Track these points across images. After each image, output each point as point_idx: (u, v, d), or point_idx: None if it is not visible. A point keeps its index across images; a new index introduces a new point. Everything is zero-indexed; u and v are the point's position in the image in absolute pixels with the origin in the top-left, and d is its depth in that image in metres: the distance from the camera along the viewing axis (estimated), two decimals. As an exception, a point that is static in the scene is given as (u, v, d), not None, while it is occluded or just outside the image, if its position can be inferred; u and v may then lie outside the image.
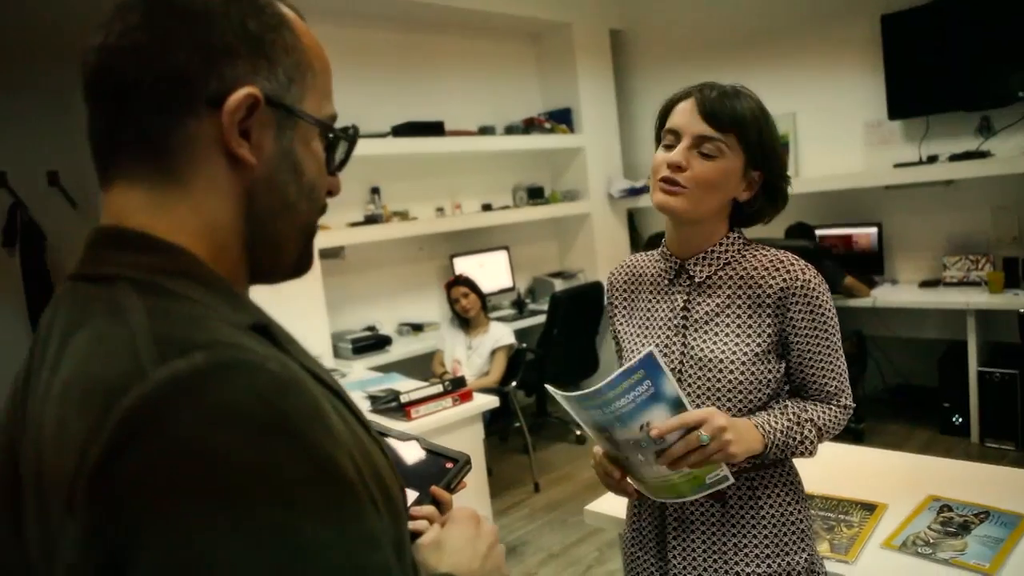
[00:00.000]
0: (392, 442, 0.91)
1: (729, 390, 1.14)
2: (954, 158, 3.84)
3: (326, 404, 0.50)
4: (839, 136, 4.36)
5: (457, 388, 2.69)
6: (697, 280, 1.20)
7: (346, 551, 0.46)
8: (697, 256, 1.20)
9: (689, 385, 1.16)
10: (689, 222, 1.18)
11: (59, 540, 0.45)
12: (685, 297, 1.21)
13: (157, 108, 0.54)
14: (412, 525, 0.74)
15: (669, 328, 1.21)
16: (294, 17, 0.60)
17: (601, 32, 5.08)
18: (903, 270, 4.30)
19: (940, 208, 4.10)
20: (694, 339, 1.18)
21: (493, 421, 3.48)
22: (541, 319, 4.24)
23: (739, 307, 1.17)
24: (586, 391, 1.04)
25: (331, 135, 0.62)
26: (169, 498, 0.42)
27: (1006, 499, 1.51)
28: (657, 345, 1.20)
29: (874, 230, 4.25)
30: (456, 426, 2.65)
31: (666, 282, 1.24)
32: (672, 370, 1.17)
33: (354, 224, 3.95)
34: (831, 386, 1.19)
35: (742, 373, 1.14)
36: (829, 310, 1.17)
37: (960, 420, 3.79)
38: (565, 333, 4.06)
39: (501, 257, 4.71)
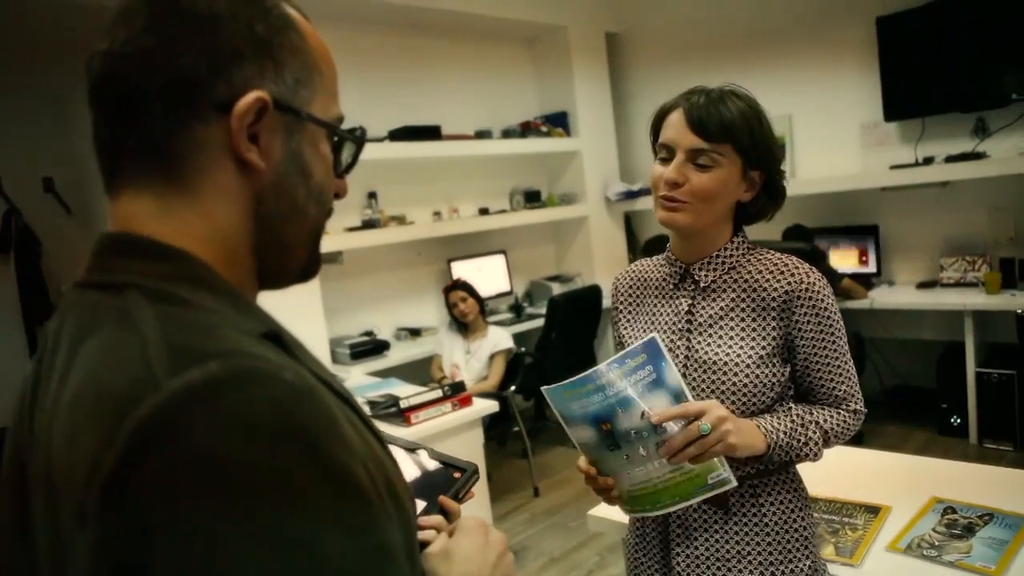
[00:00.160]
0: (400, 451, 0.90)
1: (733, 393, 1.14)
2: (950, 159, 3.86)
3: (339, 413, 0.49)
4: (835, 138, 4.37)
5: (457, 393, 2.68)
6: (702, 284, 1.20)
7: (361, 561, 0.45)
8: (702, 261, 1.20)
9: (693, 388, 1.16)
10: (695, 233, 1.18)
11: (70, 549, 0.44)
12: (690, 301, 1.21)
13: (164, 113, 0.53)
14: (420, 535, 0.73)
15: (674, 332, 1.21)
16: (300, 18, 0.60)
17: (597, 35, 5.08)
18: (900, 271, 4.31)
19: (936, 209, 4.11)
20: (698, 342, 1.18)
21: (492, 426, 3.47)
22: (539, 323, 4.24)
23: (743, 310, 1.17)
24: (584, 373, 1.06)
25: (339, 137, 0.62)
26: (184, 508, 0.41)
27: (1009, 500, 1.51)
28: None
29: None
30: (456, 431, 2.64)
31: (671, 286, 1.24)
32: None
33: (351, 229, 3.94)
34: (839, 390, 1.19)
35: (746, 376, 1.13)
36: (834, 314, 1.17)
37: (958, 421, 3.80)
38: (563, 337, 4.05)
39: (498, 261, 4.70)
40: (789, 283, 1.15)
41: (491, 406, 2.79)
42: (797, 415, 1.15)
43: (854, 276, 4.06)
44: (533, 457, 3.92)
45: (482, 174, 4.77)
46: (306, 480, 0.44)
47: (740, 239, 1.21)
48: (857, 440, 3.71)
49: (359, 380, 3.37)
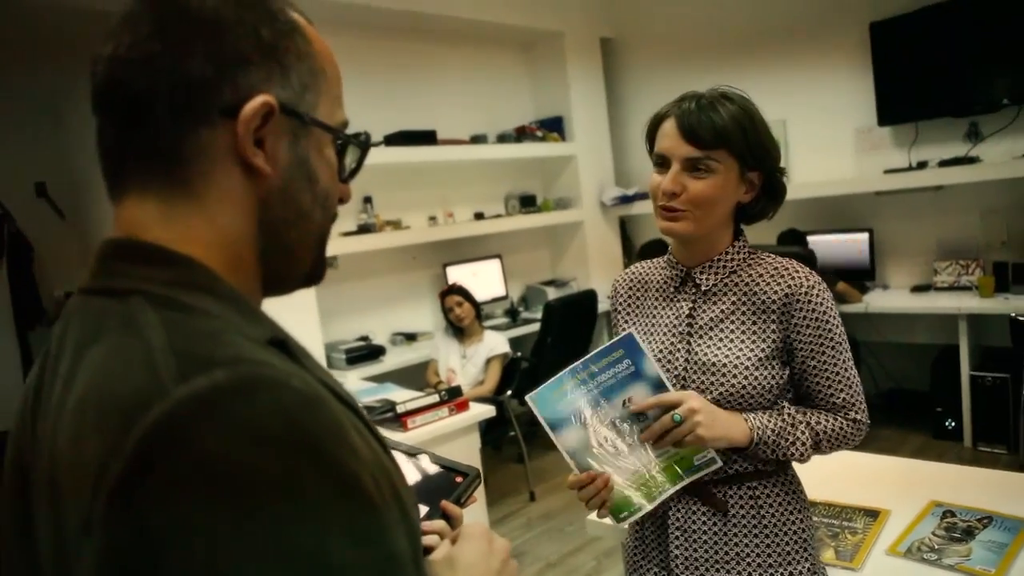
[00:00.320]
0: (401, 456, 0.90)
1: (732, 394, 1.14)
2: (943, 164, 3.88)
3: (346, 421, 0.49)
4: (830, 142, 4.39)
5: (453, 398, 2.67)
6: (703, 288, 1.20)
7: (371, 571, 0.45)
8: (703, 264, 1.20)
9: (693, 390, 1.16)
10: (697, 240, 1.18)
11: (75, 558, 0.43)
12: (691, 304, 1.21)
13: (170, 118, 0.53)
14: (423, 540, 0.72)
15: (674, 334, 1.21)
16: (305, 23, 0.60)
17: (592, 40, 5.10)
18: (894, 275, 4.33)
19: (930, 213, 4.14)
20: (698, 344, 1.18)
21: (488, 430, 3.46)
22: (534, 327, 4.23)
23: (743, 313, 1.17)
24: (561, 372, 1.12)
25: (343, 142, 0.61)
26: (191, 516, 0.41)
27: (1006, 504, 1.51)
28: (661, 350, 1.20)
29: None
30: (453, 436, 2.63)
31: (672, 289, 1.24)
32: (676, 375, 1.17)
33: (347, 233, 3.93)
34: (838, 398, 1.18)
35: (745, 378, 1.14)
36: (833, 319, 1.16)
37: (953, 424, 3.81)
38: (559, 341, 4.05)
39: (494, 266, 4.70)
40: (789, 286, 1.15)
41: (488, 411, 2.79)
42: (789, 414, 1.15)
43: (849, 279, 4.08)
44: (529, 461, 3.91)
45: (478, 179, 4.77)
46: (315, 489, 0.44)
47: (741, 243, 1.21)
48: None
49: (355, 385, 3.35)
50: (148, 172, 0.54)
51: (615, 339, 1.13)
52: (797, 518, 1.20)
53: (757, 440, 1.12)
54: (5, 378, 3.82)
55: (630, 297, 1.31)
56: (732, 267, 1.20)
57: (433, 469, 0.90)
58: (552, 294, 4.64)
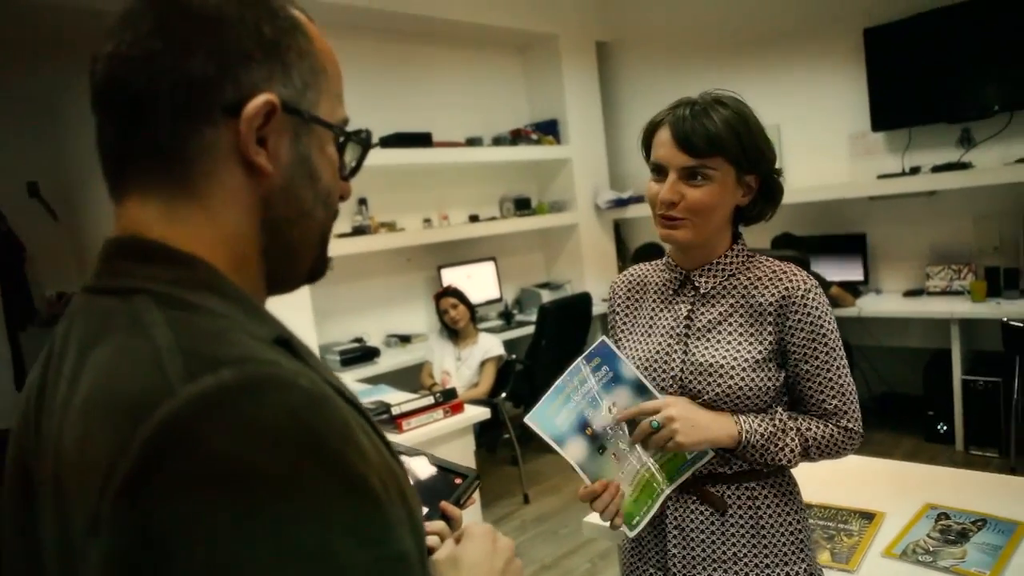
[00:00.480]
0: (401, 457, 0.90)
1: (727, 395, 1.14)
2: (936, 169, 3.90)
3: (352, 421, 0.48)
4: (823, 148, 4.41)
5: (448, 400, 2.67)
6: (702, 291, 1.21)
7: (379, 571, 0.45)
8: (702, 268, 1.21)
9: (690, 391, 1.16)
10: (696, 245, 1.19)
11: (82, 557, 0.43)
12: (689, 307, 1.21)
13: (172, 117, 0.52)
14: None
15: (672, 336, 1.21)
16: (306, 21, 0.59)
17: (587, 43, 5.11)
18: (887, 280, 4.35)
19: (923, 218, 4.16)
20: (695, 346, 1.18)
21: (482, 432, 3.46)
22: (529, 330, 4.23)
23: (741, 315, 1.17)
24: (552, 387, 1.14)
25: (344, 139, 0.61)
26: (199, 516, 0.41)
27: (1000, 506, 1.52)
28: (658, 351, 1.21)
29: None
30: (447, 438, 2.62)
31: (671, 291, 1.24)
32: (673, 376, 1.18)
33: (341, 235, 3.92)
34: (830, 404, 1.17)
35: (741, 379, 1.14)
36: (828, 323, 1.17)
37: (945, 428, 3.83)
38: (553, 344, 4.05)
39: (488, 268, 4.70)
40: (786, 288, 1.15)
41: (482, 413, 2.78)
42: (780, 419, 1.15)
43: (842, 284, 4.10)
44: (523, 464, 3.91)
45: (472, 181, 4.77)
46: (323, 489, 0.44)
47: (740, 247, 1.22)
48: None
49: (349, 386, 3.35)
50: (150, 171, 0.54)
51: (591, 348, 1.17)
52: (793, 519, 1.20)
53: (745, 443, 1.12)
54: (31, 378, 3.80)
55: (628, 299, 1.31)
56: (731, 270, 1.20)
57: (432, 470, 0.90)
58: (546, 297, 4.64)
